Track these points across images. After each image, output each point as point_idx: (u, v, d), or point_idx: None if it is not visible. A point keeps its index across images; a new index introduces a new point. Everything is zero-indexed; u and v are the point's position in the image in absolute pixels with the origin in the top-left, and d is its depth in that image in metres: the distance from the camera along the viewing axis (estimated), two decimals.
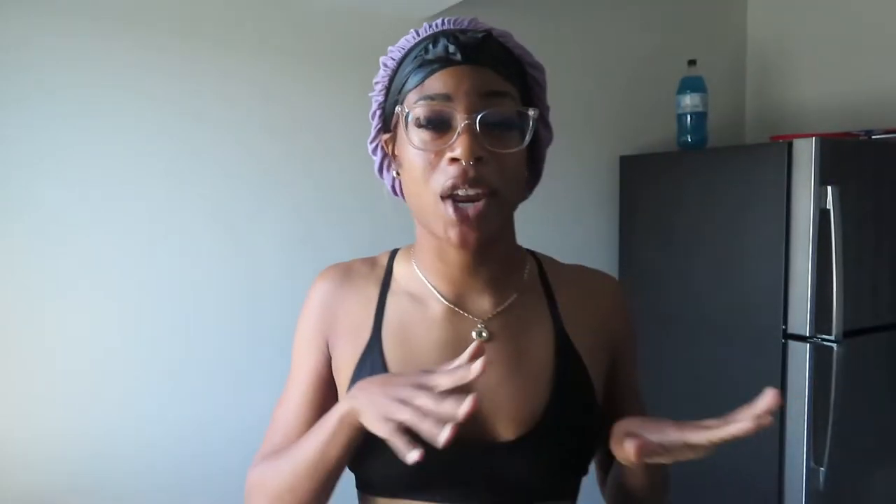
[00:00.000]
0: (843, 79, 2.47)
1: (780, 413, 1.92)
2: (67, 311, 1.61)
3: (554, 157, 2.32)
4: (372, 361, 0.78)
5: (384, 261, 0.87)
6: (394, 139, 0.79)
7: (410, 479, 0.73)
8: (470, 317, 0.79)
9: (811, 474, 1.86)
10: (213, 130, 1.76)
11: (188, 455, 1.73)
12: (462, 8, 1.91)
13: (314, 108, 1.88)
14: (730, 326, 2.06)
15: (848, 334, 1.86)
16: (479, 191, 0.70)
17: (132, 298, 1.68)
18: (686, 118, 2.31)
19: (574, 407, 0.77)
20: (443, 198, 0.71)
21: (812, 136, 1.84)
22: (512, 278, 0.83)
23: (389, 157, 0.82)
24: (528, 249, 0.89)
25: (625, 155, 2.41)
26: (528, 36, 2.36)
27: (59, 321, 1.60)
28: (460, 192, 0.70)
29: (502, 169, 0.72)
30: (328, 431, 0.70)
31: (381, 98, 0.80)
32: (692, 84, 2.29)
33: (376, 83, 0.80)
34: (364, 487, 0.80)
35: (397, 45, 0.78)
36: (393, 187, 0.85)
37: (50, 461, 1.59)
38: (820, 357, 1.85)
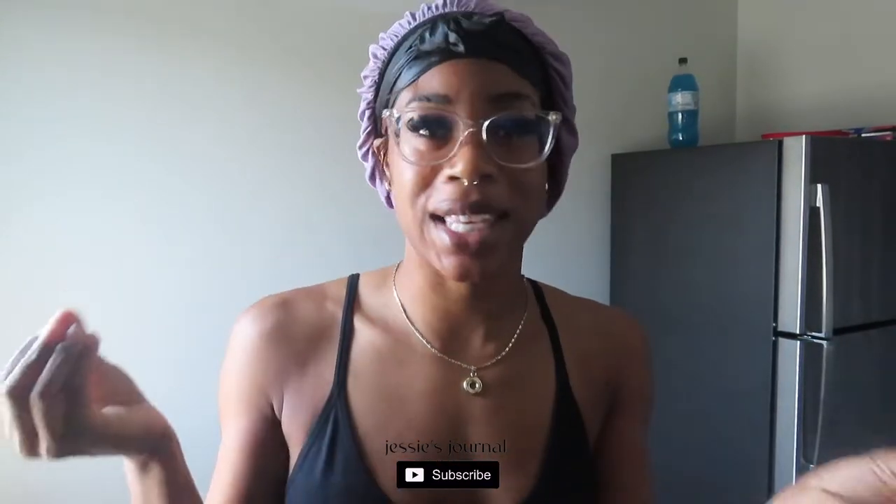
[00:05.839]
0: (834, 77, 2.48)
1: (770, 410, 1.93)
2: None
3: None
4: (336, 418, 0.64)
5: (339, 290, 0.71)
6: (385, 145, 0.65)
7: None
8: (460, 364, 0.66)
9: (801, 471, 1.87)
10: (208, 127, 1.74)
11: (188, 455, 1.72)
12: None
13: (311, 104, 1.87)
14: (720, 324, 2.07)
15: (838, 331, 1.87)
16: (486, 216, 0.57)
17: (131, 297, 1.67)
18: (677, 116, 2.31)
19: (567, 483, 0.66)
20: (434, 218, 0.58)
21: (802, 134, 1.84)
22: (514, 317, 0.70)
23: (382, 164, 0.68)
24: (528, 279, 0.76)
25: (616, 153, 2.41)
26: None
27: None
28: (461, 218, 0.57)
29: (517, 188, 0.58)
30: (137, 491, 0.60)
31: (370, 96, 0.66)
32: (683, 82, 2.30)
33: (365, 77, 0.67)
34: None
35: (390, 31, 0.64)
36: (389, 199, 0.71)
37: (49, 462, 1.58)
38: (810, 354, 1.86)
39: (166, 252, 1.71)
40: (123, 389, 0.59)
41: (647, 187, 2.30)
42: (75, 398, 0.50)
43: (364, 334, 0.67)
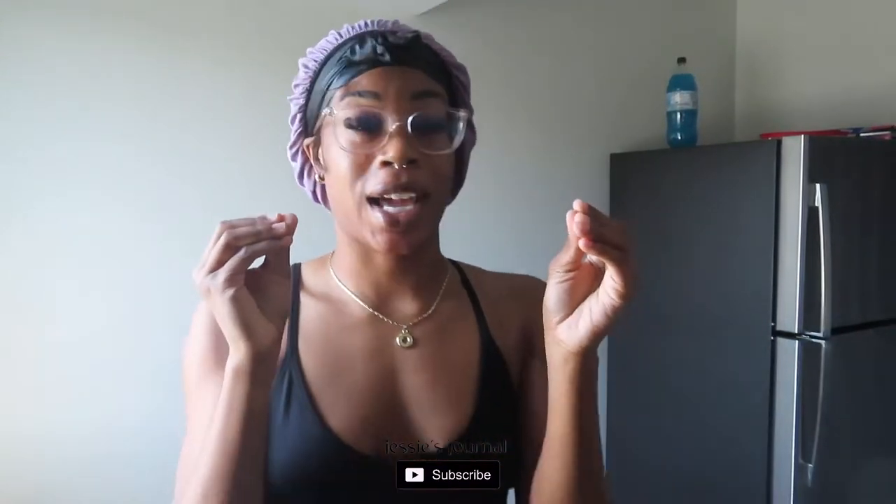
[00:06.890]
0: (832, 77, 2.48)
1: (768, 409, 1.93)
2: (64, 312, 1.60)
3: (545, 156, 2.34)
4: (290, 375, 0.74)
5: None
6: (317, 143, 0.78)
7: (345, 486, 0.71)
8: (393, 322, 0.78)
9: (799, 470, 1.88)
10: (208, 127, 1.75)
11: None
12: (453, 6, 1.91)
13: None
14: (719, 323, 2.07)
15: (836, 331, 1.87)
16: (412, 195, 0.70)
17: (131, 296, 1.67)
18: (676, 116, 2.31)
19: (499, 416, 0.77)
20: (370, 201, 0.70)
21: (801, 133, 1.85)
22: (436, 284, 0.82)
23: (310, 163, 0.80)
24: (449, 259, 0.88)
25: (615, 153, 2.41)
26: (516, 35, 2.37)
27: (55, 322, 1.59)
28: (393, 197, 0.69)
29: (434, 172, 0.71)
30: (225, 395, 0.65)
31: (301, 101, 0.79)
32: (682, 82, 2.30)
33: (296, 86, 0.80)
34: None
35: (317, 46, 0.78)
36: (314, 193, 0.84)
37: (49, 462, 1.58)
38: (808, 354, 1.86)
39: (166, 251, 1.71)
40: (282, 315, 0.68)
41: (645, 187, 2.31)
42: (254, 273, 0.66)
43: (309, 306, 0.79)
